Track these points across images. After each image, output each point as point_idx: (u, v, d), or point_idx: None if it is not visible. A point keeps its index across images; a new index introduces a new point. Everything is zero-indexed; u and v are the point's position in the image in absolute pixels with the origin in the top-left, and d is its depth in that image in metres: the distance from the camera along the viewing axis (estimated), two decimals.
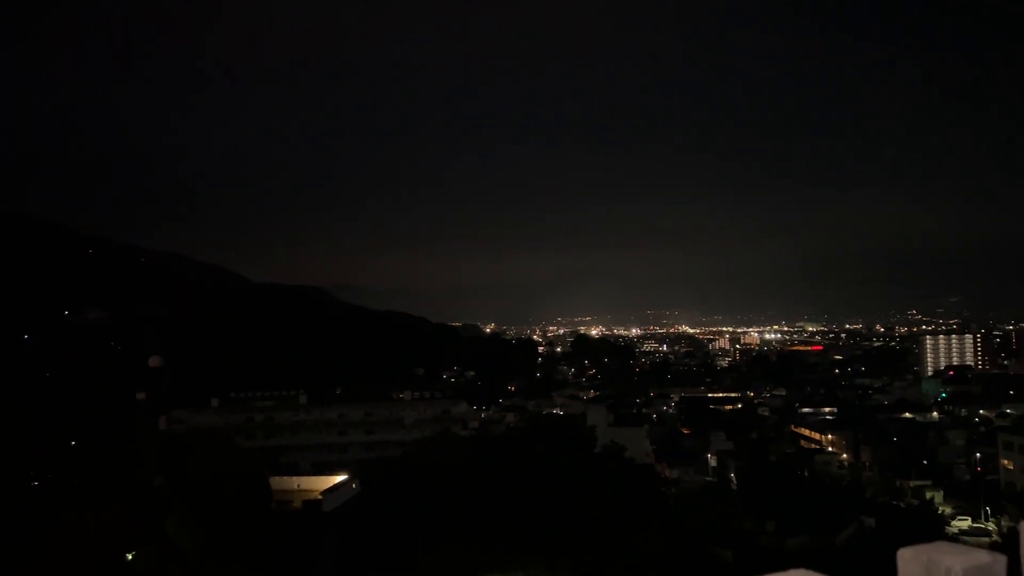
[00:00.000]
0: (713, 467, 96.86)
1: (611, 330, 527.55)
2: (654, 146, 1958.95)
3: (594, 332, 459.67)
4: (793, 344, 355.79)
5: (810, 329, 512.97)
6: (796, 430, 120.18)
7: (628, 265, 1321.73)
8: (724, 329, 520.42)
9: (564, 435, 62.90)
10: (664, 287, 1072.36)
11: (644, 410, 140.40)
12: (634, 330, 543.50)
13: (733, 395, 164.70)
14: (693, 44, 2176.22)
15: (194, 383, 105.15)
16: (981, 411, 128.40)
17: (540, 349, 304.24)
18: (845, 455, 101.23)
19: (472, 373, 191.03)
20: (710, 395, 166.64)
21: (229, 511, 45.99)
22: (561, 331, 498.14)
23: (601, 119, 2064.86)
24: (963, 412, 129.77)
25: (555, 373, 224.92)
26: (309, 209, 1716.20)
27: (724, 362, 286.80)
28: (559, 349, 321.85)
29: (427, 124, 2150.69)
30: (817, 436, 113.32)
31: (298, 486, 63.08)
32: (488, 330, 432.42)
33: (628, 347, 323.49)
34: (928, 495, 76.82)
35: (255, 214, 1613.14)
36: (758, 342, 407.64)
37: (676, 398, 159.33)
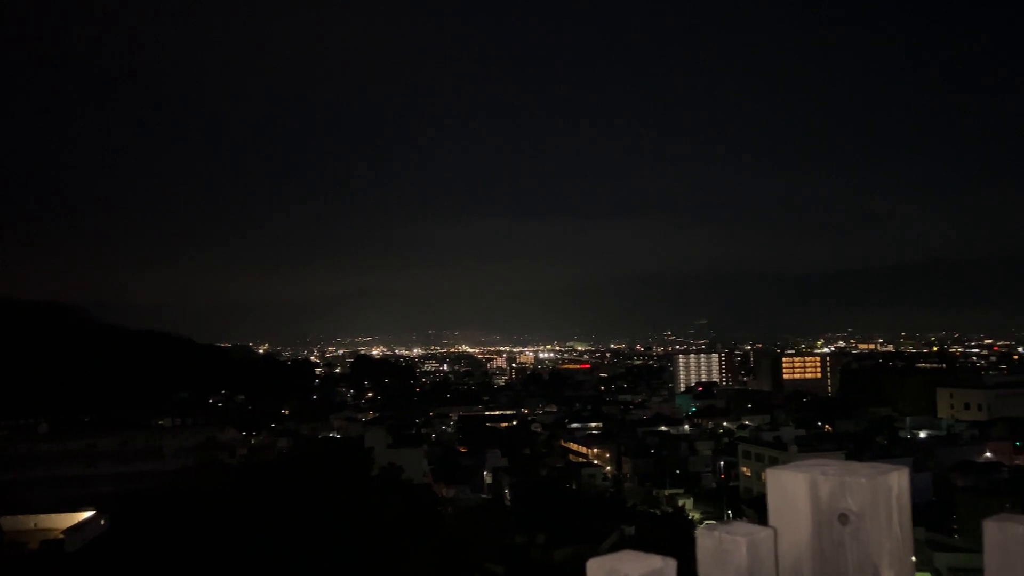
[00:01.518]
0: (489, 484, 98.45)
1: (393, 350, 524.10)
2: (434, 166, 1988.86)
3: (375, 352, 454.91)
4: (564, 363, 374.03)
5: (579, 348, 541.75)
6: (565, 445, 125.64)
7: (411, 285, 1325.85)
8: (502, 348, 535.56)
9: (340, 459, 61.31)
10: (446, 307, 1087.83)
11: (423, 430, 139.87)
12: (416, 350, 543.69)
13: (509, 412, 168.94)
14: (443, 65, 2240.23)
15: None
16: (725, 423, 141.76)
17: (318, 371, 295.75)
18: (609, 467, 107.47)
19: (242, 397, 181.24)
20: (487, 413, 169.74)
21: None
22: (341, 352, 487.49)
23: (379, 137, 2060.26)
24: (710, 424, 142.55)
25: (333, 395, 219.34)
26: (60, 217, 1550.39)
27: (501, 380, 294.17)
28: (338, 370, 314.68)
29: (199, 134, 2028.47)
30: (584, 450, 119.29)
31: (35, 525, 56.24)
32: (261, 351, 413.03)
33: (409, 367, 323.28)
34: (680, 502, 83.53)
35: None
36: (533, 361, 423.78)
37: (455, 417, 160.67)
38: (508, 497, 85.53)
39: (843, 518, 2.35)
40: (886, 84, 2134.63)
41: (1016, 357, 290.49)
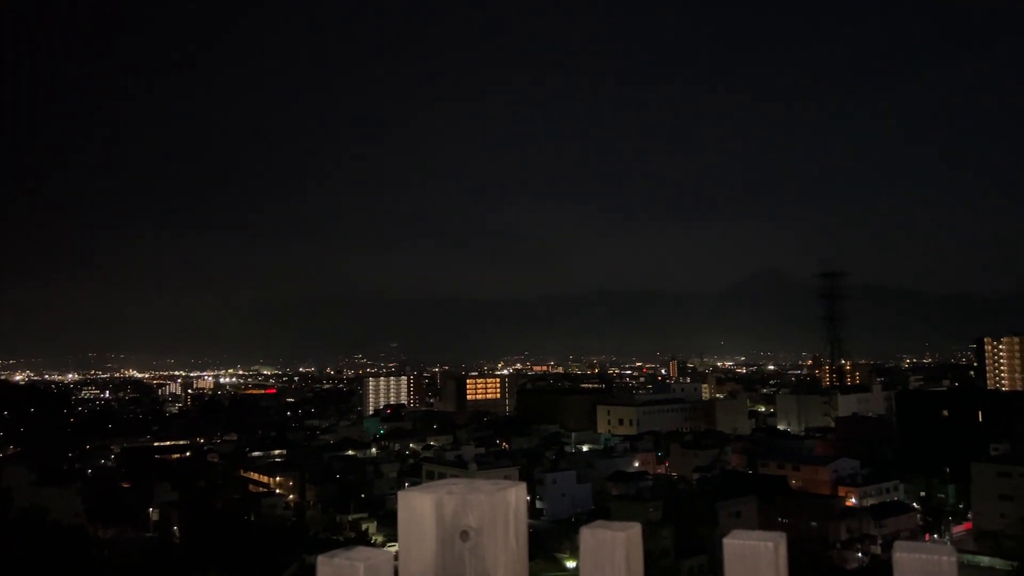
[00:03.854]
0: (156, 521, 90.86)
1: (42, 375, 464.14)
2: (99, 171, 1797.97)
3: (19, 378, 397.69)
4: (248, 388, 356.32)
5: (265, 372, 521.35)
6: (246, 475, 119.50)
7: (66, 301, 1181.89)
8: (177, 373, 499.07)
9: None
10: (110, 327, 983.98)
11: (77, 466, 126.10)
12: (71, 375, 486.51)
13: (182, 443, 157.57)
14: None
15: None
16: (411, 444, 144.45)
17: None
18: (292, 496, 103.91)
19: None
20: (157, 444, 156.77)
21: None
22: None
23: (32, 136, 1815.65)
24: (396, 446, 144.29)
25: None
26: None
27: (175, 408, 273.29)
28: None
29: None
30: (266, 479, 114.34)
31: None
32: None
33: (63, 394, 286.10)
34: (364, 526, 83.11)
35: None
36: (212, 386, 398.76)
37: (117, 450, 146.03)
38: (178, 534, 79.45)
39: (464, 535, 2.50)
40: (570, 129, 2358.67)
41: (660, 377, 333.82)
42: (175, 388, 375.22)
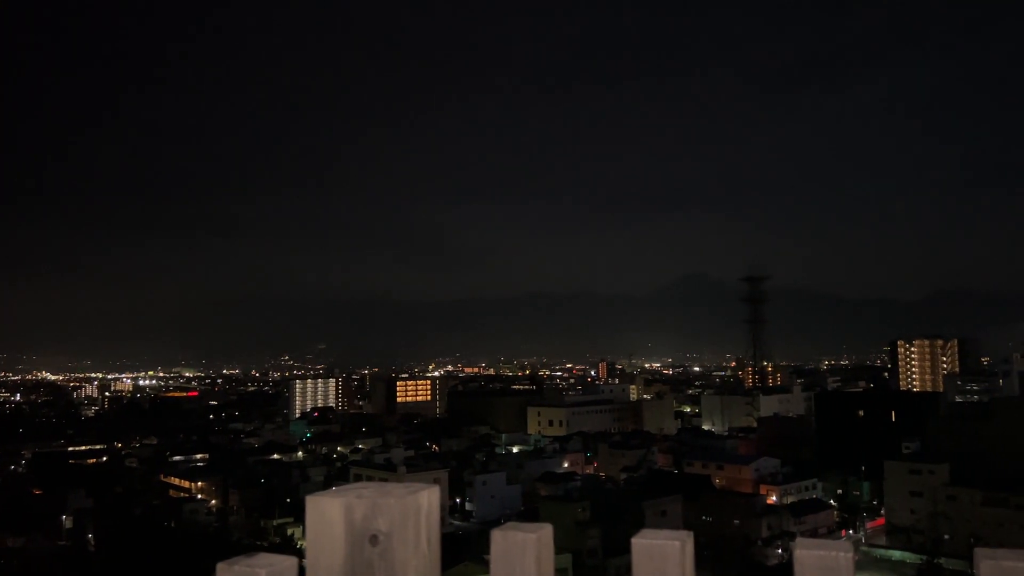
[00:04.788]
0: (69, 529, 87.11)
1: None
2: (9, 169, 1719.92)
3: None
4: (169, 391, 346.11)
5: (188, 375, 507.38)
6: (166, 480, 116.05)
7: None
8: (94, 375, 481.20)
9: None
10: (21, 328, 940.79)
11: None
12: None
13: (98, 447, 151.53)
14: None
15: None
16: (339, 447, 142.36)
17: None
18: (215, 501, 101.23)
19: None
20: (71, 448, 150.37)
21: None
22: None
23: None
24: (324, 450, 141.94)
25: None
26: None
27: (91, 411, 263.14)
28: None
29: None
30: (187, 484, 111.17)
31: None
32: None
33: None
34: (290, 531, 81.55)
35: None
36: (131, 388, 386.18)
37: (28, 454, 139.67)
38: (93, 543, 76.44)
39: (374, 539, 2.46)
40: (501, 131, 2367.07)
41: (590, 379, 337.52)
42: (91, 390, 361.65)
